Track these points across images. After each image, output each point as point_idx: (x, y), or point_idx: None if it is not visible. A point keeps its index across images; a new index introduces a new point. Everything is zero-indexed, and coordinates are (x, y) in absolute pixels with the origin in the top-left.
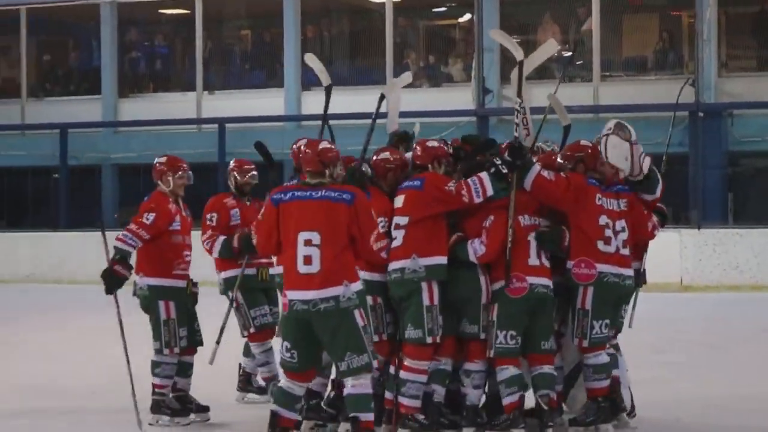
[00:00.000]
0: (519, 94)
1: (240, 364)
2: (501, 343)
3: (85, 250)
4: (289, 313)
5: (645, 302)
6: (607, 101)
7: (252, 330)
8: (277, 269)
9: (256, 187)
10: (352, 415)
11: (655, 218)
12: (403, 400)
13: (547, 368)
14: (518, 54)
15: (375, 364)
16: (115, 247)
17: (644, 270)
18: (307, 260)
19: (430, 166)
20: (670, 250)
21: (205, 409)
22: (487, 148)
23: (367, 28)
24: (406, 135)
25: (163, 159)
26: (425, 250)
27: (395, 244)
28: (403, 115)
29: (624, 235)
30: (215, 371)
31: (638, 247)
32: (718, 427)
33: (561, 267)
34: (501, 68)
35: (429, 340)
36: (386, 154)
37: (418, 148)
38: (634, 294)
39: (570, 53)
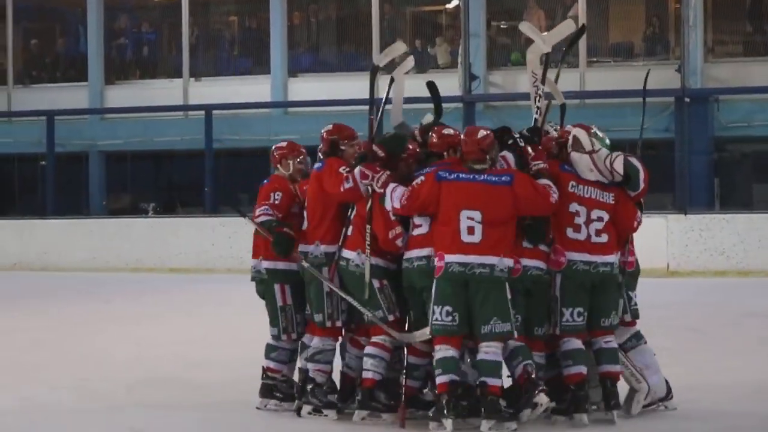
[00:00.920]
0: (543, 82)
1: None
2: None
3: (72, 237)
4: (445, 275)
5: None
6: (593, 87)
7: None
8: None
9: None
10: (481, 379)
11: (639, 213)
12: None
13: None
14: (545, 47)
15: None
16: (262, 223)
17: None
18: (470, 231)
19: (445, 153)
20: (657, 236)
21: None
22: (503, 134)
23: (354, 14)
24: (427, 127)
25: (284, 144)
26: None
27: (420, 231)
28: (389, 101)
29: (599, 225)
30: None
31: (621, 238)
32: (704, 411)
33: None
34: (487, 54)
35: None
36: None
37: (433, 135)
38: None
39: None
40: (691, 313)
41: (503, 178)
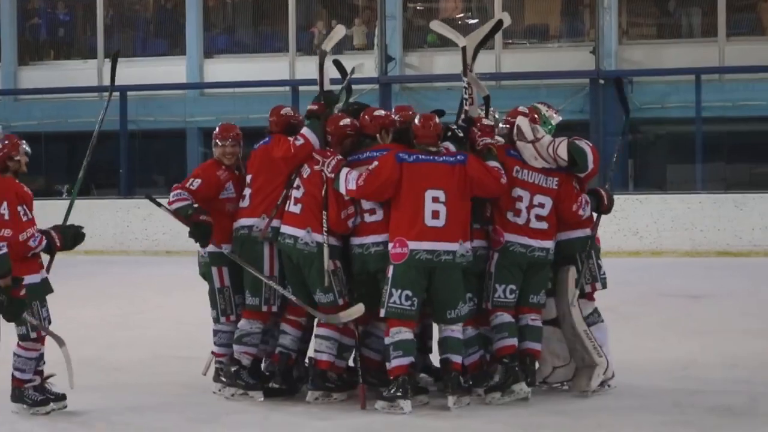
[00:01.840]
0: (465, 74)
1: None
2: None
3: None
4: (410, 262)
5: None
6: (508, 69)
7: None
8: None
9: None
10: (444, 356)
11: (584, 198)
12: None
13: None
14: (460, 42)
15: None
16: (177, 209)
17: (593, 236)
18: (435, 215)
19: (378, 135)
20: None
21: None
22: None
23: None
24: (359, 106)
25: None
26: None
27: (375, 218)
28: (305, 83)
29: (541, 210)
30: None
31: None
32: (621, 390)
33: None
34: (404, 36)
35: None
36: (347, 121)
37: (366, 117)
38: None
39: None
40: (605, 293)
41: (459, 158)
